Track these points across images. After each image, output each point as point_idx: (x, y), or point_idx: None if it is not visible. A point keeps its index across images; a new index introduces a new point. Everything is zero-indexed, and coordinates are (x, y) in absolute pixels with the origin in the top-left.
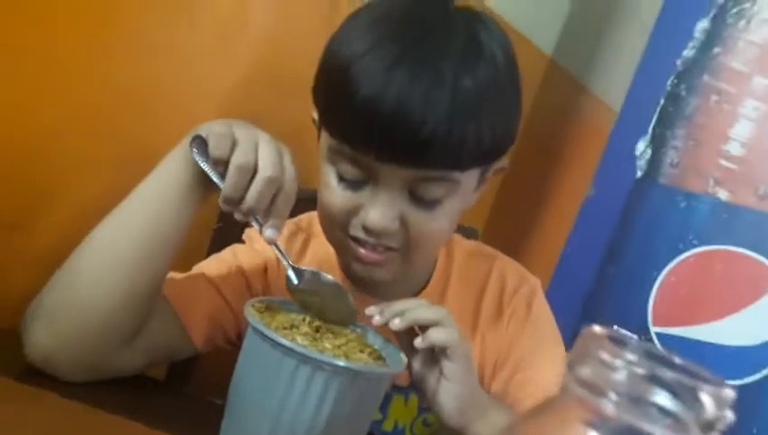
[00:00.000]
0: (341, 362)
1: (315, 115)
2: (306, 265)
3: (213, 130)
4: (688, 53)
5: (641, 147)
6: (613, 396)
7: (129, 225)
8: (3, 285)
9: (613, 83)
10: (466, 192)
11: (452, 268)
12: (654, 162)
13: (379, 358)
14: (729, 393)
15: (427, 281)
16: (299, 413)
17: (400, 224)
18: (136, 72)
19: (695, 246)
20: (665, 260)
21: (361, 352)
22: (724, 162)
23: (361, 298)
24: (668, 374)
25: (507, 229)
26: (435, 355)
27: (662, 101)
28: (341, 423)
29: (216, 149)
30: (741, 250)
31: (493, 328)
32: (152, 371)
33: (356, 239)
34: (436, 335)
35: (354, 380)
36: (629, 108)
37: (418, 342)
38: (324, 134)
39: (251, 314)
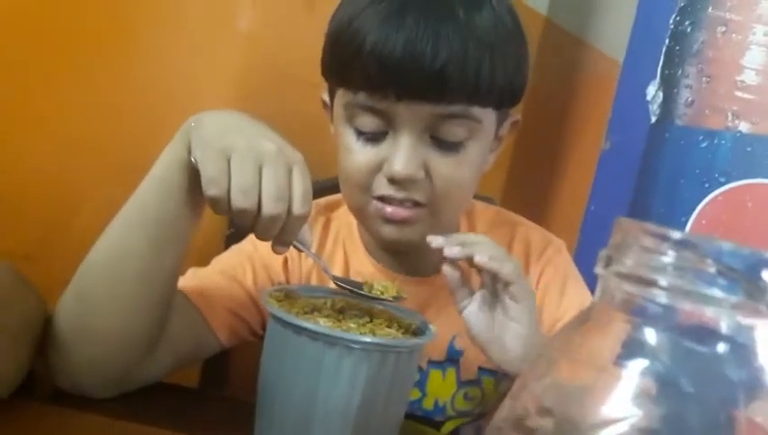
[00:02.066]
0: (368, 339)
1: (325, 96)
2: (330, 246)
3: (206, 152)
4: None
5: (652, 91)
6: (664, 283)
7: (131, 239)
8: None
9: (613, 33)
10: (486, 138)
11: None
12: (667, 105)
13: (408, 332)
14: None
15: None
16: (331, 398)
17: (425, 174)
18: (135, 85)
19: (722, 184)
20: (693, 203)
21: (389, 327)
22: (740, 94)
23: (389, 275)
24: (722, 251)
25: (526, 196)
26: (495, 298)
27: (667, 41)
28: (377, 403)
29: (210, 185)
30: None
31: None
32: (186, 378)
33: (382, 199)
34: (501, 265)
35: (384, 356)
36: (634, 54)
37: (480, 258)
38: (339, 96)
39: (270, 303)
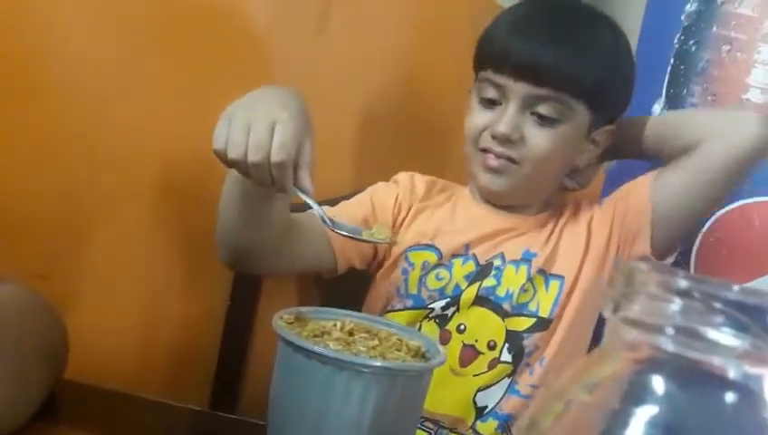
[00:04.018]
0: (378, 363)
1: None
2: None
3: (220, 121)
4: (692, 6)
5: (657, 109)
6: (670, 331)
7: (226, 197)
8: None
9: None
10: (577, 129)
11: (565, 209)
12: None
13: (418, 355)
14: None
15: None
16: (341, 420)
17: (521, 138)
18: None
19: (729, 202)
20: (700, 223)
21: (398, 350)
22: None
23: (493, 212)
24: (730, 298)
25: None
26: None
27: (672, 60)
28: (387, 426)
29: (215, 141)
30: None
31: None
32: (197, 400)
33: (485, 150)
34: None
35: (393, 380)
36: (639, 73)
37: None
38: (477, 79)
39: (280, 327)
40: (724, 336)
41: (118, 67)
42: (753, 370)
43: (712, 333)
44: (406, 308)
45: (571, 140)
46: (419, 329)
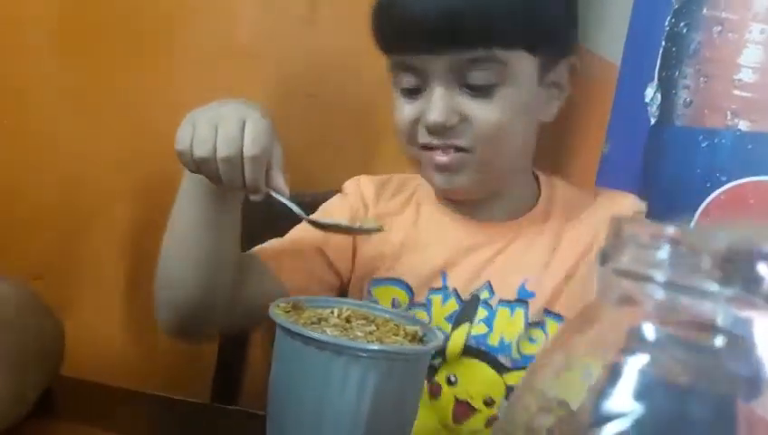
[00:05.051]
0: (375, 346)
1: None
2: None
3: (182, 125)
4: None
5: (650, 93)
6: (660, 278)
7: (177, 233)
8: None
9: (609, 36)
10: (524, 83)
11: (556, 197)
12: (666, 106)
13: (415, 339)
14: None
15: (531, 208)
16: (340, 406)
17: (462, 120)
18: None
19: (723, 183)
20: (696, 203)
21: (395, 335)
22: (738, 92)
23: (464, 221)
24: (717, 244)
25: None
26: None
27: (663, 43)
28: (387, 411)
29: (177, 143)
30: None
31: None
32: (198, 393)
33: (427, 147)
34: None
35: (392, 363)
36: (630, 56)
37: None
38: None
39: (277, 315)
40: (713, 283)
41: (106, 67)
42: (742, 314)
43: (700, 280)
44: None
45: (522, 98)
46: None
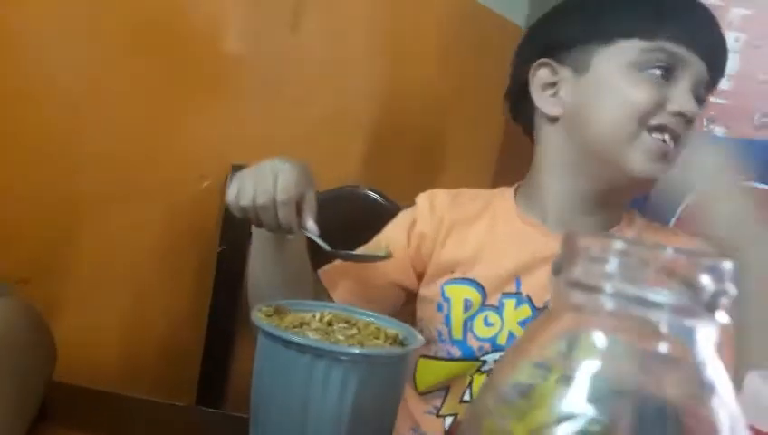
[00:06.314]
0: (356, 350)
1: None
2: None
3: (233, 182)
4: None
5: None
6: (609, 288)
7: (256, 269)
8: None
9: None
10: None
11: (635, 225)
12: None
13: (396, 342)
14: (728, 267)
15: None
16: (322, 408)
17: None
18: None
19: None
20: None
21: (376, 338)
22: (714, 99)
23: (543, 232)
24: (662, 257)
25: None
26: None
27: None
28: (368, 413)
29: (228, 195)
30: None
31: None
32: (183, 397)
33: (659, 128)
34: None
35: (372, 366)
36: None
37: None
38: (626, 48)
39: (259, 319)
40: (658, 294)
41: (100, 70)
42: (686, 322)
43: (647, 291)
44: (452, 358)
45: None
46: (470, 384)
